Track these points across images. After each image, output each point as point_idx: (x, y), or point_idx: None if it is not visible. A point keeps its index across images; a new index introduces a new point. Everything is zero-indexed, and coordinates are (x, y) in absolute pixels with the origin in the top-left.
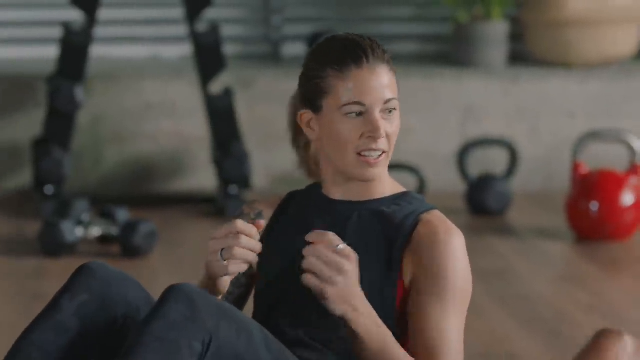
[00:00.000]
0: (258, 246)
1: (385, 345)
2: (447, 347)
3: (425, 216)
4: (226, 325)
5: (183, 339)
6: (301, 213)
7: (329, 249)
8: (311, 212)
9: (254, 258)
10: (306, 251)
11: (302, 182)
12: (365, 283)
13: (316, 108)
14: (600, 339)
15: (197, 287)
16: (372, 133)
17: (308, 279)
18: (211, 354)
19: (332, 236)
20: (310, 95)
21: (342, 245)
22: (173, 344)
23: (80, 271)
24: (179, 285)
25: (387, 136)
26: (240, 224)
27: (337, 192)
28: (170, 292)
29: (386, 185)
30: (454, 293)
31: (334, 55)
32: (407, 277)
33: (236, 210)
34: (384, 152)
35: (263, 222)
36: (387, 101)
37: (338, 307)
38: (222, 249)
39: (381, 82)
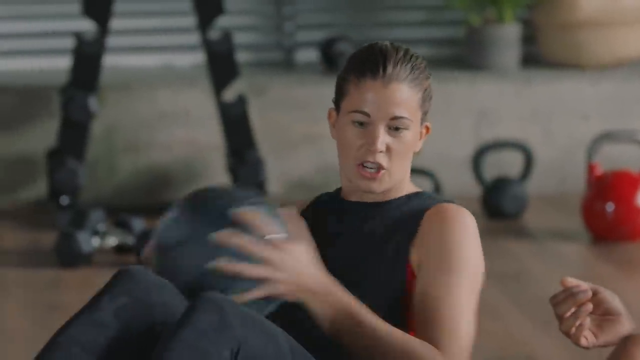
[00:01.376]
0: None
1: (360, 318)
2: (455, 327)
3: (439, 205)
4: (254, 335)
5: (212, 348)
6: (319, 216)
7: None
8: (327, 214)
9: None
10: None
11: (317, 188)
12: (371, 279)
13: (337, 109)
14: (626, 345)
15: (226, 296)
16: (369, 145)
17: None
18: None
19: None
20: (336, 96)
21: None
22: (203, 352)
23: (120, 274)
24: (209, 293)
25: (389, 152)
26: None
27: (351, 195)
28: (200, 300)
29: (402, 189)
30: (462, 271)
31: (359, 61)
32: (415, 265)
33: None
34: (382, 167)
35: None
36: (394, 118)
37: (293, 297)
38: None
39: (392, 97)
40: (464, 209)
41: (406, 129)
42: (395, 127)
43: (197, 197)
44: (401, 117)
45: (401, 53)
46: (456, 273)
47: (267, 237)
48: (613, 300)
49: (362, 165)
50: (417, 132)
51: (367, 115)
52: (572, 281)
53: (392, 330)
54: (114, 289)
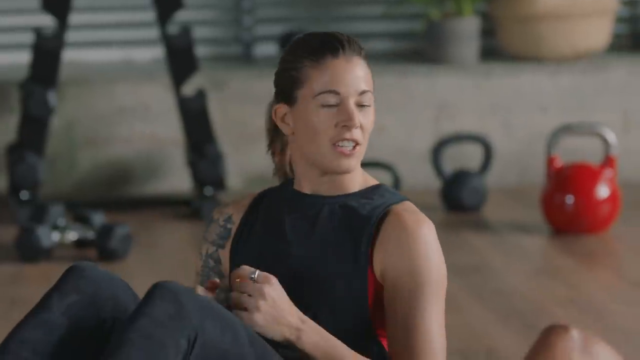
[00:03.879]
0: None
1: (335, 352)
2: (429, 345)
3: (395, 207)
4: (211, 323)
5: (168, 337)
6: (272, 211)
7: (246, 280)
8: (281, 209)
9: None
10: (233, 287)
11: (277, 182)
12: (334, 277)
13: (291, 100)
14: (547, 335)
15: (183, 285)
16: (346, 122)
17: (237, 314)
18: (196, 351)
19: (247, 268)
20: (286, 88)
21: (257, 273)
22: (158, 341)
23: (69, 271)
24: (165, 282)
25: (362, 128)
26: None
27: (307, 186)
28: (156, 289)
29: (357, 179)
30: (430, 287)
31: (311, 46)
32: (377, 271)
33: (209, 214)
34: (357, 143)
35: (218, 281)
36: (362, 92)
37: (272, 331)
38: None
39: (357, 73)
40: (422, 216)
41: (369, 105)
42: (362, 103)
43: None
44: (367, 91)
45: (343, 34)
46: (426, 294)
47: (254, 275)
48: None
49: (337, 144)
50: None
51: (337, 93)
52: None
53: None
54: (62, 286)
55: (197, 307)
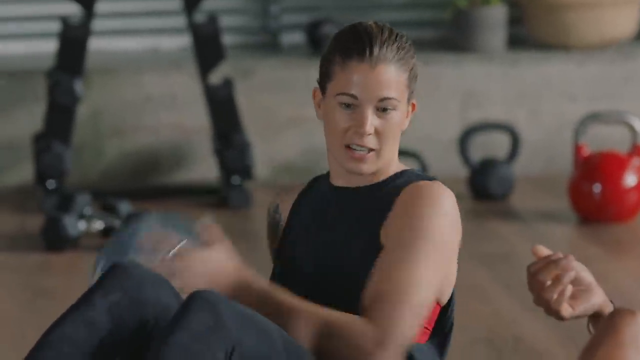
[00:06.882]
0: None
1: (277, 299)
2: (401, 295)
3: (416, 182)
4: (248, 334)
5: (207, 350)
6: (313, 200)
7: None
8: (319, 199)
9: None
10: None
11: (304, 171)
12: (358, 263)
13: (323, 90)
14: (613, 319)
15: (221, 295)
16: (357, 128)
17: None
18: None
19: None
20: (321, 77)
21: (172, 251)
22: (197, 355)
23: (113, 270)
24: (202, 292)
25: (378, 134)
26: None
27: (339, 179)
28: (194, 300)
29: (390, 170)
30: (424, 244)
31: (344, 42)
32: (382, 234)
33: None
34: (371, 149)
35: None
36: (382, 99)
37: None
38: None
39: (380, 79)
40: (443, 186)
41: (394, 109)
42: (383, 108)
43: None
44: (389, 98)
45: (386, 33)
46: (412, 248)
47: (172, 251)
48: (583, 270)
49: (350, 147)
50: (405, 112)
51: (355, 97)
52: (544, 249)
53: (309, 307)
54: (106, 284)
55: (235, 317)
